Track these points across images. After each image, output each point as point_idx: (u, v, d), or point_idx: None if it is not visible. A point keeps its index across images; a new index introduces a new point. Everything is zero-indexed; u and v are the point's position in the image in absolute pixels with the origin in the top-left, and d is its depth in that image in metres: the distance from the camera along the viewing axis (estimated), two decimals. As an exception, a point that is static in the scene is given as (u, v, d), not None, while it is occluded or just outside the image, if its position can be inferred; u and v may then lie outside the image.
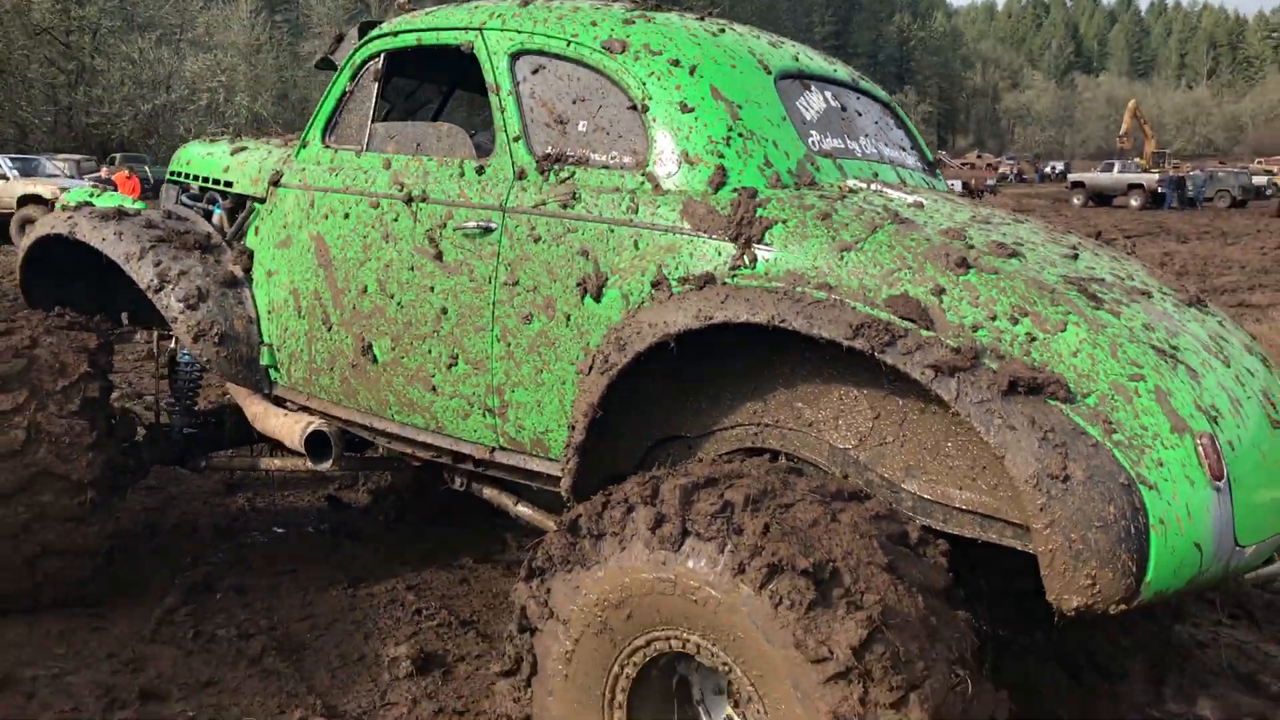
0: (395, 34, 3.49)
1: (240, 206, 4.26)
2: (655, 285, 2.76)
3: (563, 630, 2.51)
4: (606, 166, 2.96)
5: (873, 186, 2.96)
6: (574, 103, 3.06)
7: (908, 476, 2.58)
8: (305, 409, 3.76)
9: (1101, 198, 41.58)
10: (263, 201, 3.91)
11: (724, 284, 2.65)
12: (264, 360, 3.85)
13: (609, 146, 2.98)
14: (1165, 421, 2.29)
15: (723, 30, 3.14)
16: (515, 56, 3.16)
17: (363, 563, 4.62)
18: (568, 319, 2.93)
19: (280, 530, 5.08)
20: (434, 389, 3.25)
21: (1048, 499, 2.17)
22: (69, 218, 4.22)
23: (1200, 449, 2.29)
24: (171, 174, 4.80)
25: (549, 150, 3.06)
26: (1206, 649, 3.92)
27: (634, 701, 2.49)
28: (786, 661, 2.17)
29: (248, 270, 3.94)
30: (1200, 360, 2.51)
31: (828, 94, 3.25)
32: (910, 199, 2.89)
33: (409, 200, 3.27)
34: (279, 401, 3.90)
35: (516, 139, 3.11)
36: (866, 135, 3.33)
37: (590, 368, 2.77)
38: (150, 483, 5.13)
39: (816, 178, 2.92)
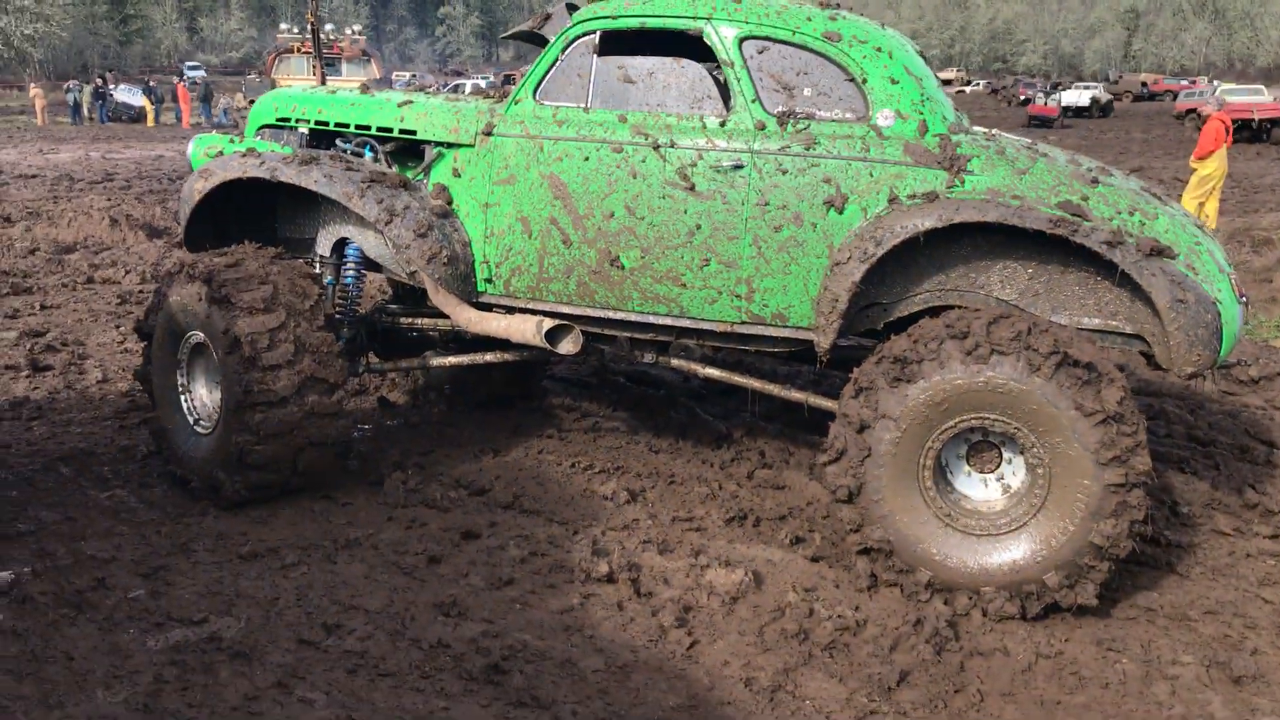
0: (615, 17, 4.55)
1: (408, 151, 5.09)
2: (891, 201, 4.17)
3: (893, 425, 3.92)
4: (834, 120, 4.29)
5: (991, 131, 4.53)
6: (797, 75, 4.35)
7: (1053, 312, 4.19)
8: (525, 310, 4.75)
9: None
10: (462, 147, 4.80)
11: (946, 199, 4.10)
12: (479, 275, 4.79)
13: (832, 106, 4.31)
14: (1214, 267, 4.07)
15: (883, 24, 4.55)
16: (743, 40, 4.38)
17: (479, 440, 5.62)
18: (814, 226, 4.25)
19: (368, 427, 5.91)
20: (684, 284, 4.43)
21: (1178, 314, 3.85)
22: (262, 163, 4.85)
23: (1233, 281, 4.09)
24: (280, 119, 5.44)
25: (781, 109, 4.34)
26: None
27: (936, 461, 3.96)
28: (1068, 418, 3.73)
29: (449, 203, 4.83)
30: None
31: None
32: (1020, 140, 4.50)
33: (655, 146, 4.40)
34: (485, 308, 4.85)
35: (754, 100, 4.35)
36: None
37: (849, 258, 4.13)
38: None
39: (961, 124, 4.44)
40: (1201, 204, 13.63)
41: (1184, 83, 51.93)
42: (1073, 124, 43.15)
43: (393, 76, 49.02)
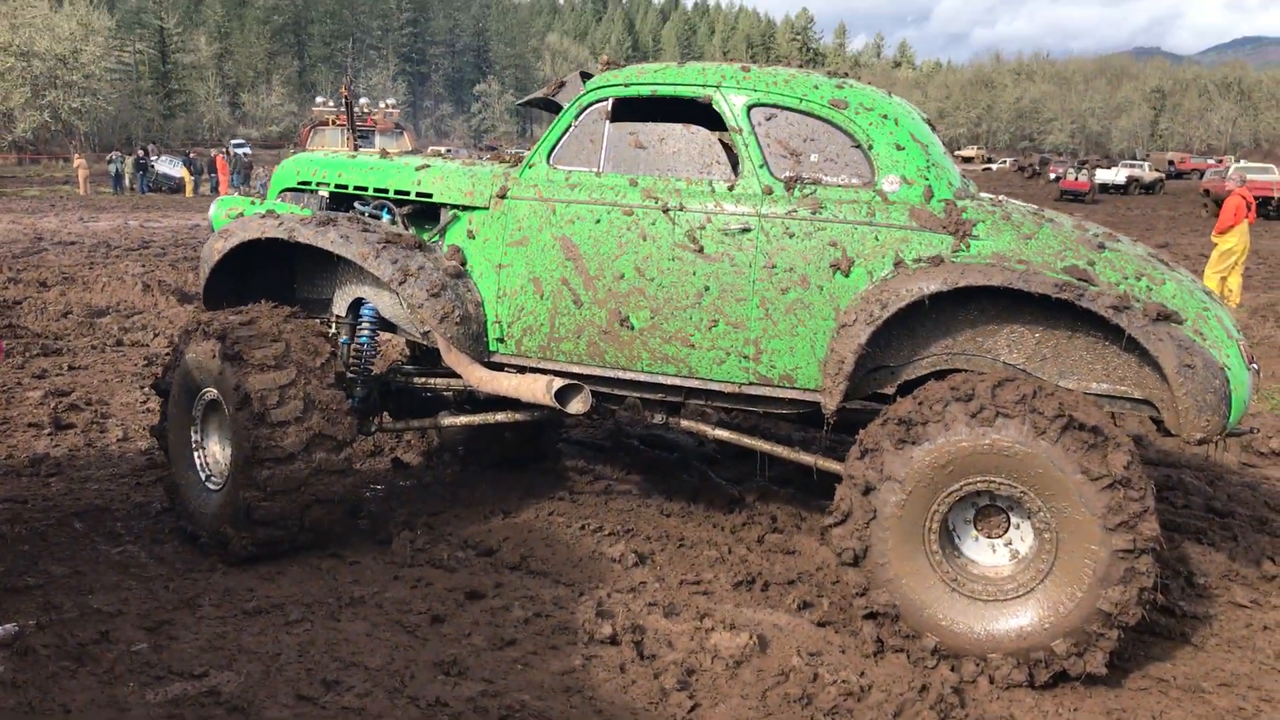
0: (627, 85, 4.65)
1: (424, 213, 5.19)
2: (897, 264, 4.19)
3: (899, 487, 3.90)
4: (840, 186, 4.34)
5: (997, 196, 4.56)
6: (804, 141, 4.42)
7: (1061, 377, 4.18)
8: (536, 370, 4.78)
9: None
10: (476, 209, 4.89)
11: (951, 263, 4.12)
12: (491, 335, 4.84)
13: (838, 171, 4.37)
14: (1223, 333, 4.05)
15: (889, 92, 4.62)
16: (751, 107, 4.46)
17: (490, 500, 5.63)
18: (821, 289, 4.28)
19: (379, 487, 5.93)
20: (692, 345, 4.46)
21: (1185, 379, 3.83)
22: (280, 223, 4.94)
23: (1242, 348, 4.07)
24: (301, 183, 5.57)
25: (788, 174, 4.40)
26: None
27: (942, 525, 3.93)
28: (1075, 482, 3.70)
29: (463, 264, 4.90)
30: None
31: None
32: (1026, 205, 4.52)
33: (665, 210, 4.46)
34: (497, 368, 4.90)
35: (761, 166, 4.41)
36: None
37: (855, 320, 4.14)
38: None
39: (968, 189, 4.47)
40: (1224, 279, 13.60)
41: (1210, 161, 51.98)
42: (1103, 199, 43.63)
43: (428, 150, 49.87)
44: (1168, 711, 3.75)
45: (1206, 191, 36.46)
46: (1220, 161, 51.96)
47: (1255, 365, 4.16)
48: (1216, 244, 13.84)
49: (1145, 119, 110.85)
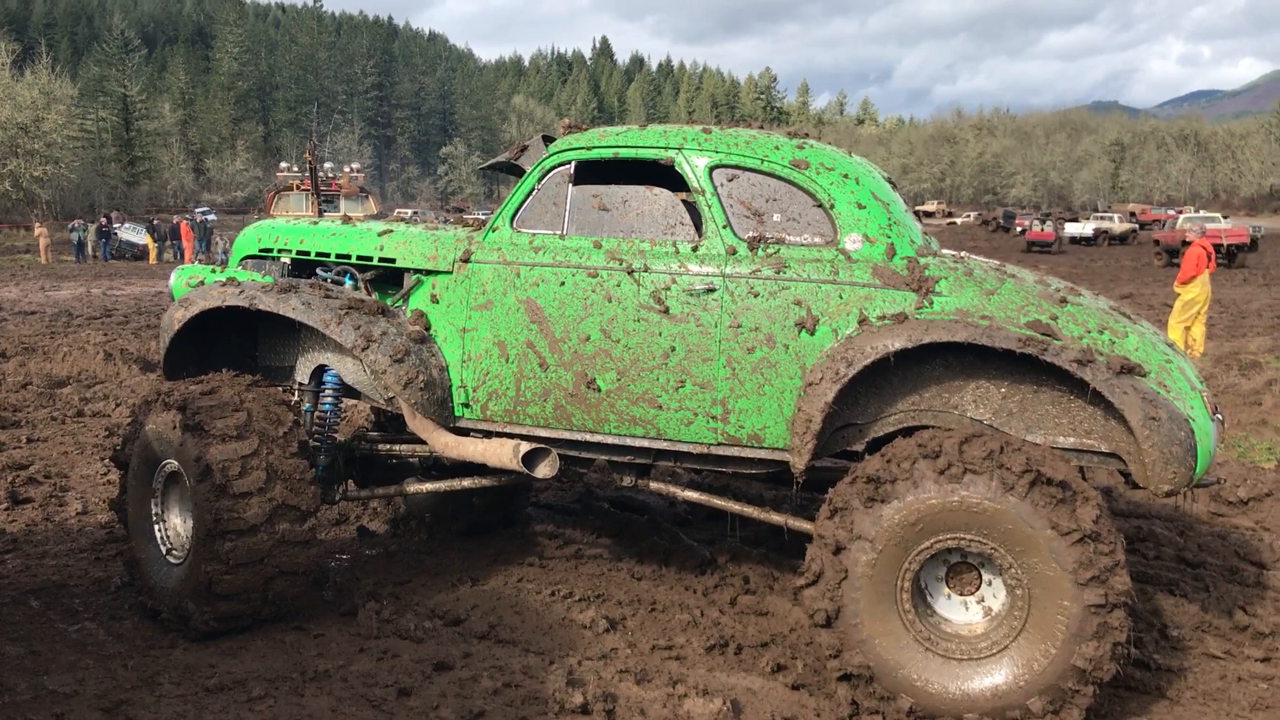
0: (590, 148, 4.67)
1: (388, 278, 5.16)
2: (861, 322, 4.19)
3: (869, 546, 3.87)
4: (803, 245, 4.36)
5: (959, 253, 4.59)
6: (767, 201, 4.44)
7: (1028, 431, 4.17)
8: (503, 434, 4.73)
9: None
10: (440, 274, 4.86)
11: (915, 319, 4.13)
12: (456, 400, 4.79)
13: (800, 230, 4.38)
14: (1186, 384, 4.07)
15: (849, 151, 4.66)
16: (713, 169, 4.48)
17: (458, 568, 5.55)
18: (787, 348, 4.27)
19: (345, 556, 5.83)
20: (660, 406, 4.43)
21: (1151, 431, 3.83)
22: (240, 292, 4.90)
23: (1205, 399, 4.09)
24: (262, 250, 5.53)
25: (751, 234, 4.41)
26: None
27: (914, 584, 3.89)
28: (1044, 537, 3.68)
29: (427, 329, 4.86)
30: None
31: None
32: (988, 261, 4.55)
33: (630, 271, 4.46)
34: (463, 433, 4.84)
35: (725, 226, 4.42)
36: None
37: (822, 379, 4.13)
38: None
39: (929, 246, 4.50)
40: (1188, 328, 13.75)
41: (1170, 212, 53.18)
42: (1069, 250, 44.87)
43: (394, 213, 50.04)
44: (1147, 768, 3.71)
45: (1157, 242, 37.59)
46: (1179, 213, 53.29)
47: (1220, 415, 4.18)
48: (1180, 294, 14.01)
49: (1106, 171, 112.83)
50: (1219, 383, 11.26)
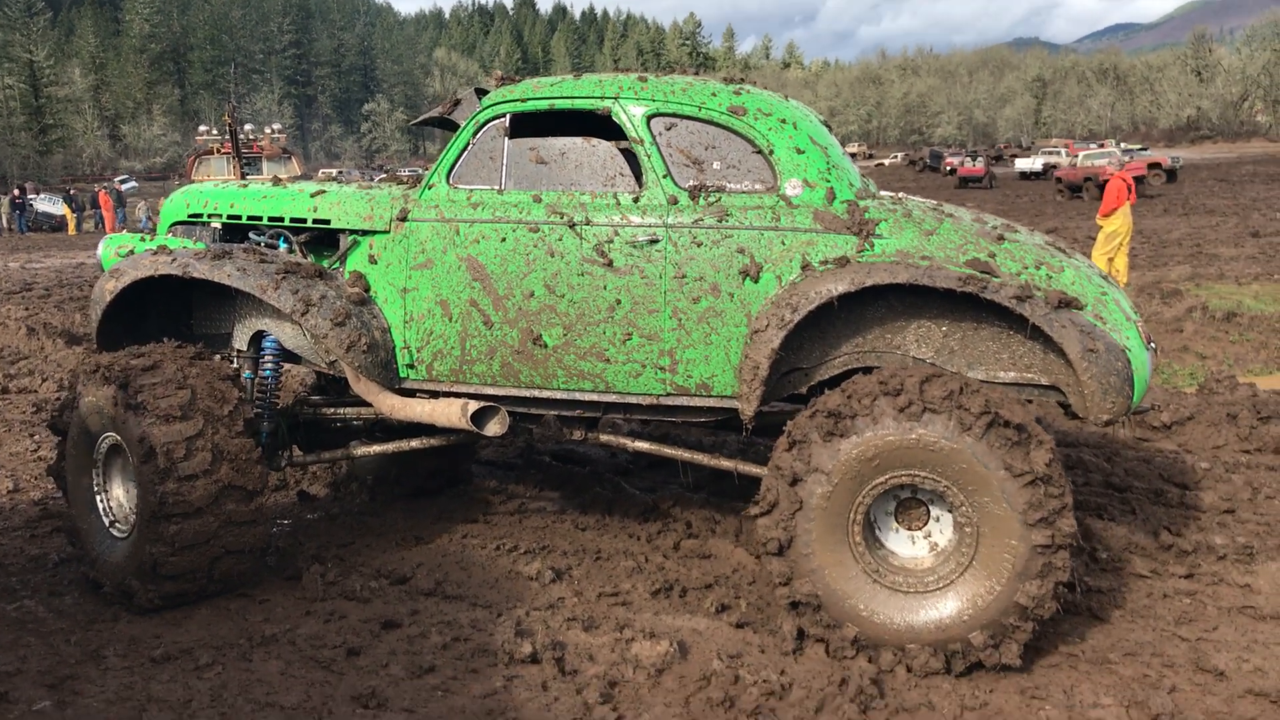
0: (524, 100, 4.61)
1: (323, 240, 5.07)
2: (804, 268, 4.22)
3: (825, 479, 3.93)
4: (744, 192, 4.36)
5: (897, 194, 4.63)
6: (706, 149, 4.43)
7: (969, 368, 4.25)
8: (449, 394, 4.70)
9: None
10: (377, 234, 4.79)
11: (857, 262, 4.17)
12: (400, 361, 4.74)
13: (741, 178, 4.39)
14: (1121, 315, 4.17)
15: (785, 95, 4.66)
16: (651, 117, 4.46)
17: (402, 528, 5.54)
18: (732, 296, 4.29)
19: (286, 521, 5.79)
20: (607, 359, 4.44)
21: (1089, 363, 3.92)
22: (173, 260, 4.78)
23: (1140, 329, 4.19)
24: (191, 215, 5.40)
25: (692, 183, 4.40)
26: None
27: (865, 517, 3.97)
28: (998, 478, 3.76)
29: (366, 290, 4.80)
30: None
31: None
32: (926, 201, 4.60)
33: (571, 225, 4.43)
34: (409, 394, 4.80)
35: (665, 176, 4.41)
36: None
37: (767, 325, 4.16)
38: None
39: (868, 189, 4.53)
40: (1111, 259, 14.04)
41: (1093, 146, 54.00)
42: (999, 185, 46.99)
43: (319, 174, 49.19)
44: (1078, 685, 3.85)
45: (1059, 180, 38.62)
46: (1102, 145, 54.36)
47: (1153, 345, 4.29)
48: (1102, 227, 14.28)
49: (1029, 108, 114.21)
50: (1143, 311, 11.54)
